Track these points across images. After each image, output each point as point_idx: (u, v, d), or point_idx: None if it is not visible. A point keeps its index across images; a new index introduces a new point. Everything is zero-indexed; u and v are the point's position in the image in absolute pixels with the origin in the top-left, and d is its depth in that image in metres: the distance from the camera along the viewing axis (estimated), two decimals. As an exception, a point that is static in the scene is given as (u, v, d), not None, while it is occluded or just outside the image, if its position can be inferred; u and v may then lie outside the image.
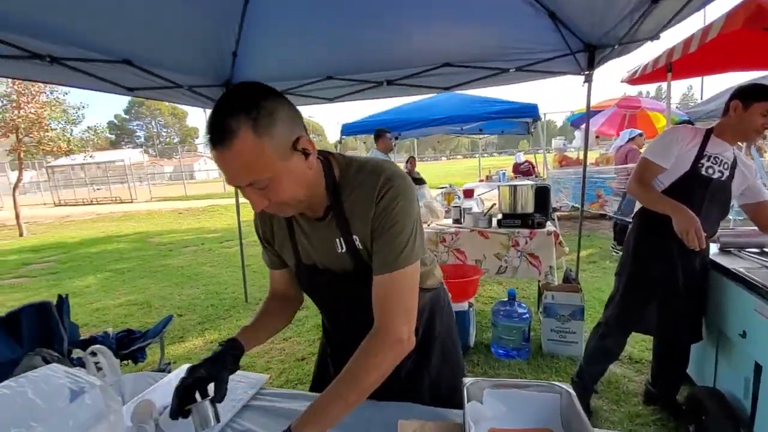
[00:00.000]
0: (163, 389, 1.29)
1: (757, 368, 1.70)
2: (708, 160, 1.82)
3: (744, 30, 1.61)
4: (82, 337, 2.06)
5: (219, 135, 0.72)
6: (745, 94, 1.74)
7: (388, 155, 4.86)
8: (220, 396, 0.89)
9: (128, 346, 2.29)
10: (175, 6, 2.40)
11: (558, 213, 6.72)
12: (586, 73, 2.82)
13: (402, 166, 7.18)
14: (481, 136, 8.60)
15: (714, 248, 2.16)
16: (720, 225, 2.03)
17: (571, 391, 1.01)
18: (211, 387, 0.90)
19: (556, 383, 1.05)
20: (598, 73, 2.86)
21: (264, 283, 5.02)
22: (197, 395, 0.88)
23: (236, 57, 3.16)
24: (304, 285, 1.09)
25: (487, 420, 0.99)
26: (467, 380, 1.10)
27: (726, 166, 1.83)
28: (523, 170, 6.78)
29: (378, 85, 3.37)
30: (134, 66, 2.72)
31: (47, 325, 1.84)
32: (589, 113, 3.08)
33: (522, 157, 6.94)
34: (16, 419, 0.71)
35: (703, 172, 1.82)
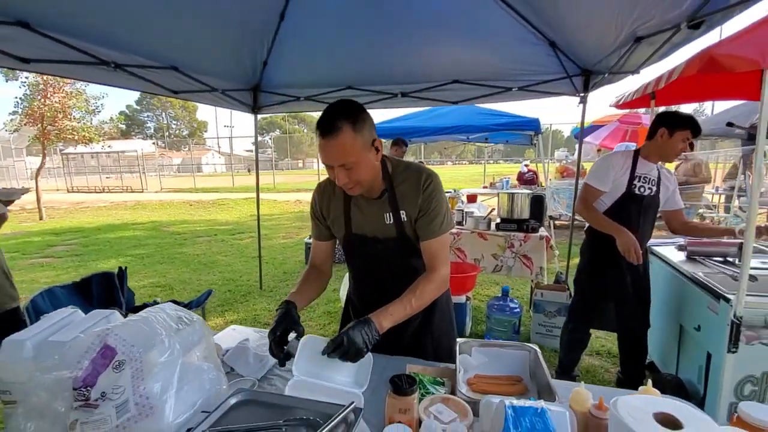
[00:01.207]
0: (219, 341, 1.63)
1: (708, 357, 2.01)
2: (639, 180, 2.22)
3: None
4: (135, 305, 2.40)
5: (329, 129, 1.09)
6: (671, 123, 2.11)
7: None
8: (300, 334, 1.19)
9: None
10: (217, 19, 2.72)
11: (557, 221, 7.03)
12: (581, 95, 3.15)
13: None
14: (486, 144, 8.92)
15: (682, 256, 2.48)
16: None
17: (538, 349, 1.34)
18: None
19: (527, 344, 1.38)
20: (603, 90, 3.18)
21: (276, 273, 5.37)
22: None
23: (266, 65, 3.51)
24: (351, 251, 1.41)
25: (474, 368, 1.32)
26: (460, 340, 1.43)
27: (653, 183, 2.23)
28: (527, 179, 7.09)
29: (393, 96, 3.70)
30: (179, 72, 3.07)
31: (111, 292, 2.19)
32: (583, 131, 3.39)
33: (526, 167, 7.25)
34: (149, 335, 1.05)
35: (636, 191, 2.22)
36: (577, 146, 9.43)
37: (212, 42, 2.99)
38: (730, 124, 2.61)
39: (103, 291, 2.15)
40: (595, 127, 8.09)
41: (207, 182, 24.91)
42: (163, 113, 63.27)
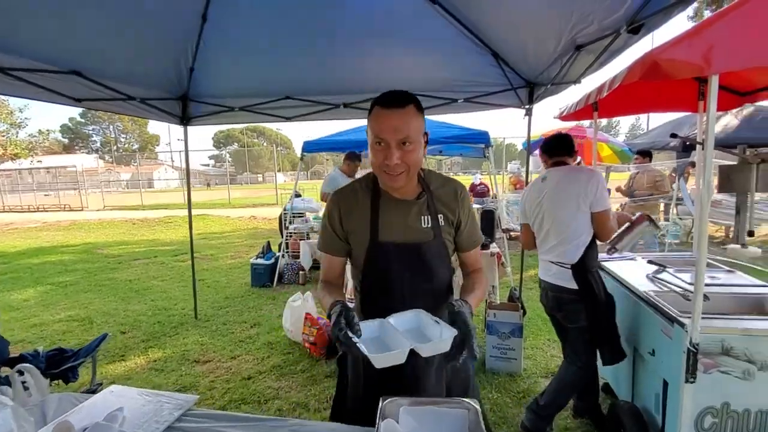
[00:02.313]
0: (87, 411, 1.27)
1: (665, 384, 1.87)
2: None
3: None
4: (11, 355, 1.96)
5: (397, 100, 1.10)
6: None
7: (352, 178, 4.99)
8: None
9: (59, 365, 2.20)
10: (128, 19, 2.39)
11: (513, 233, 7.03)
12: (527, 107, 3.06)
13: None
14: (441, 157, 8.90)
15: (634, 272, 2.37)
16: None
17: (478, 407, 1.11)
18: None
19: (466, 400, 1.14)
20: (550, 102, 3.10)
21: (216, 299, 4.90)
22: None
23: (193, 72, 3.17)
24: (376, 260, 1.26)
25: (400, 436, 1.06)
26: (384, 399, 1.17)
27: None
28: (480, 192, 7.06)
29: (335, 107, 3.47)
30: (84, 77, 2.67)
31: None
32: (530, 143, 3.31)
33: (479, 179, 7.23)
34: None
35: None
36: (530, 157, 9.68)
37: (123, 44, 2.63)
38: (673, 135, 2.60)
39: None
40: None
41: (158, 198, 23.51)
42: (111, 126, 59.81)
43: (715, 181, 1.73)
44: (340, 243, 1.30)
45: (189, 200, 4.13)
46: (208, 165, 64.26)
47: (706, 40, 1.31)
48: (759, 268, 2.46)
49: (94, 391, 2.20)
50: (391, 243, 1.24)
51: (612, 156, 7.36)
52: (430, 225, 1.25)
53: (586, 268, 2.11)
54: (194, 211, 15.18)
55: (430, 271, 1.26)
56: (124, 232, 11.26)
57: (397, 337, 1.07)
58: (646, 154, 5.81)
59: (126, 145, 61.17)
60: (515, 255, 5.76)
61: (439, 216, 1.27)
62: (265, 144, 61.09)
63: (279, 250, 5.64)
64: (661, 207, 6.33)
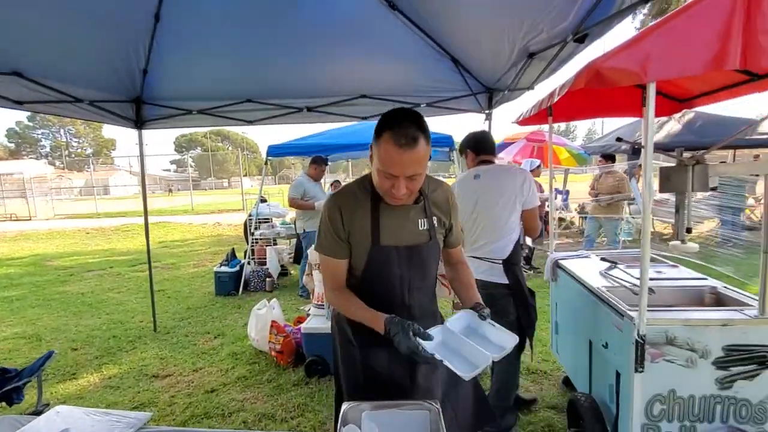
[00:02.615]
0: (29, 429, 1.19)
1: (618, 375, 1.96)
2: None
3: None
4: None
5: (410, 140, 1.09)
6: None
7: (319, 182, 4.96)
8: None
9: (1, 386, 2.04)
10: (75, 18, 2.27)
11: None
12: (487, 112, 3.15)
13: (327, 188, 7.26)
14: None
15: (588, 269, 2.48)
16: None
17: (438, 408, 1.12)
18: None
19: (426, 401, 1.16)
20: (511, 107, 3.17)
21: (177, 310, 4.71)
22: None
23: (147, 74, 3.05)
24: (377, 262, 1.29)
25: (361, 442, 1.06)
26: (346, 405, 1.16)
27: None
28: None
29: (298, 110, 3.43)
30: (25, 78, 2.51)
31: None
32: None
33: (444, 182, 7.35)
34: None
35: None
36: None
37: (68, 43, 2.49)
38: (618, 140, 2.76)
39: None
40: (507, 144, 8.58)
41: (115, 206, 22.33)
42: (62, 130, 56.33)
43: (657, 182, 1.84)
44: (344, 245, 1.30)
45: (145, 206, 3.95)
46: (169, 170, 61.85)
47: (642, 50, 1.40)
48: (698, 262, 2.65)
49: (39, 413, 2.06)
50: (393, 246, 1.28)
51: (570, 159, 7.73)
52: (426, 227, 1.32)
53: (514, 262, 2.21)
54: (155, 219, 14.48)
55: (426, 270, 1.36)
56: (77, 242, 10.62)
57: (461, 341, 1.17)
58: (609, 158, 6.12)
59: (79, 150, 57.78)
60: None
61: (434, 219, 1.35)
62: (230, 148, 59.41)
63: (244, 257, 5.50)
64: (626, 208, 6.67)
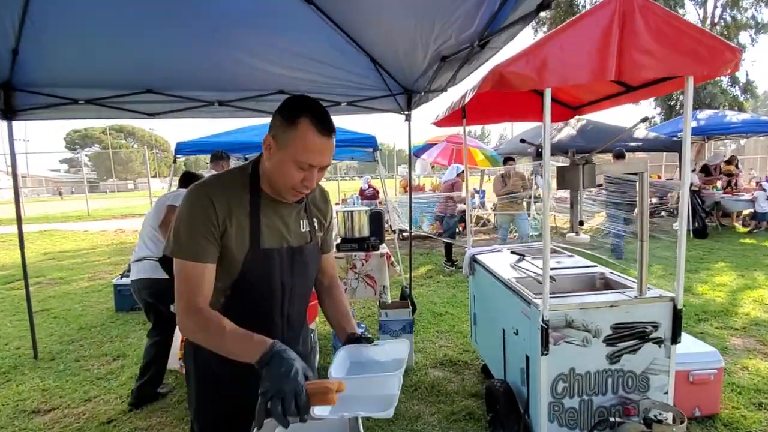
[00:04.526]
0: None
1: (527, 359, 2.12)
2: None
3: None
4: None
5: (331, 128, 1.05)
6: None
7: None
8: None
9: None
10: None
11: (405, 233, 7.38)
12: (406, 113, 3.22)
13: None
14: (334, 161, 8.93)
15: (500, 262, 2.66)
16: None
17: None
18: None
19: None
20: (430, 109, 3.24)
21: (67, 331, 4.10)
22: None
23: (17, 55, 2.58)
24: (255, 267, 1.13)
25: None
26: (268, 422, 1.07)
27: None
28: (368, 195, 7.25)
29: (209, 104, 3.17)
30: None
31: None
32: (411, 147, 3.51)
33: (367, 183, 7.42)
34: None
35: None
36: (417, 163, 10.37)
37: None
38: (522, 141, 3.00)
39: None
40: (429, 146, 8.92)
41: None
42: None
43: (554, 181, 2.03)
44: (214, 246, 1.07)
45: (18, 210, 3.36)
46: (59, 170, 54.01)
47: (539, 57, 1.52)
48: (589, 252, 2.99)
49: None
50: (274, 249, 1.15)
51: (485, 161, 8.29)
52: (307, 229, 1.26)
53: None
54: (40, 226, 12.55)
55: (307, 274, 1.28)
56: (-71, 259, 8.73)
57: (356, 382, 1.03)
58: (511, 160, 6.69)
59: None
60: (406, 256, 6.02)
61: (314, 220, 1.29)
62: (135, 146, 53.62)
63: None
64: (532, 205, 7.32)
